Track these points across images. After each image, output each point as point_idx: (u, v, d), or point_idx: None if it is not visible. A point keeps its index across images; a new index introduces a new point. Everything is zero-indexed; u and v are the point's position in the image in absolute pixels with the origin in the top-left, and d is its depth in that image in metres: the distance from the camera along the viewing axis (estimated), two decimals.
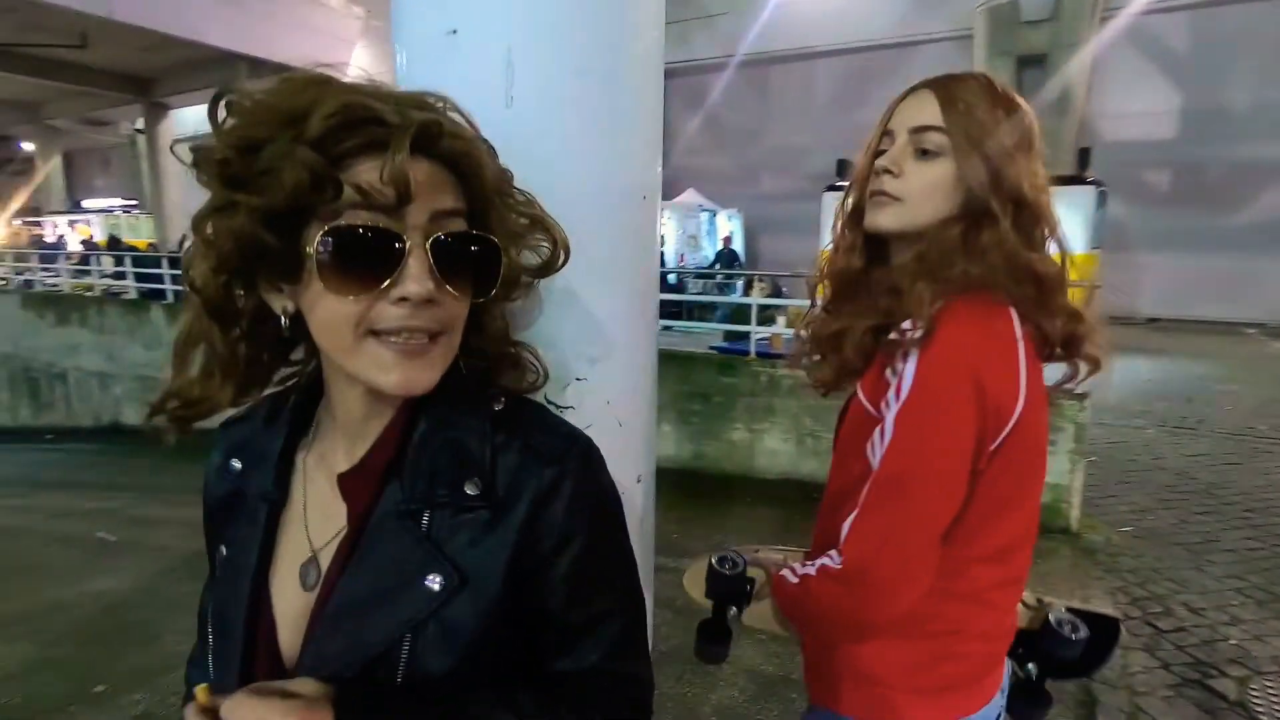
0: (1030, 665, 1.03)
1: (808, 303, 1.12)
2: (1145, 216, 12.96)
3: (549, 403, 0.82)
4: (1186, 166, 13.08)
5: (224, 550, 0.71)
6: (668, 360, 5.63)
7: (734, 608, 1.00)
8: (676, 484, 5.16)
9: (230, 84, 0.60)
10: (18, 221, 23.24)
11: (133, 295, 10.43)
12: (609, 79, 0.84)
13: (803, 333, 1.09)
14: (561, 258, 0.72)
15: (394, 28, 0.85)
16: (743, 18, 14.70)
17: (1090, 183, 10.90)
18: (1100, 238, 11.05)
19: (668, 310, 10.62)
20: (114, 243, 16.46)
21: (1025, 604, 1.05)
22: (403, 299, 0.58)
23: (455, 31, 0.79)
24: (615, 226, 0.87)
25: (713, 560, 1.00)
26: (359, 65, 0.62)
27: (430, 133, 0.58)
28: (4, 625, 3.54)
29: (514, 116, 0.78)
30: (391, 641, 0.60)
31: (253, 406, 0.74)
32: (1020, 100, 0.94)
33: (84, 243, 19.61)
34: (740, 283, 11.66)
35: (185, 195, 15.30)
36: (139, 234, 19.03)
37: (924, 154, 0.92)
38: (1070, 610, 1.04)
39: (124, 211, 22.19)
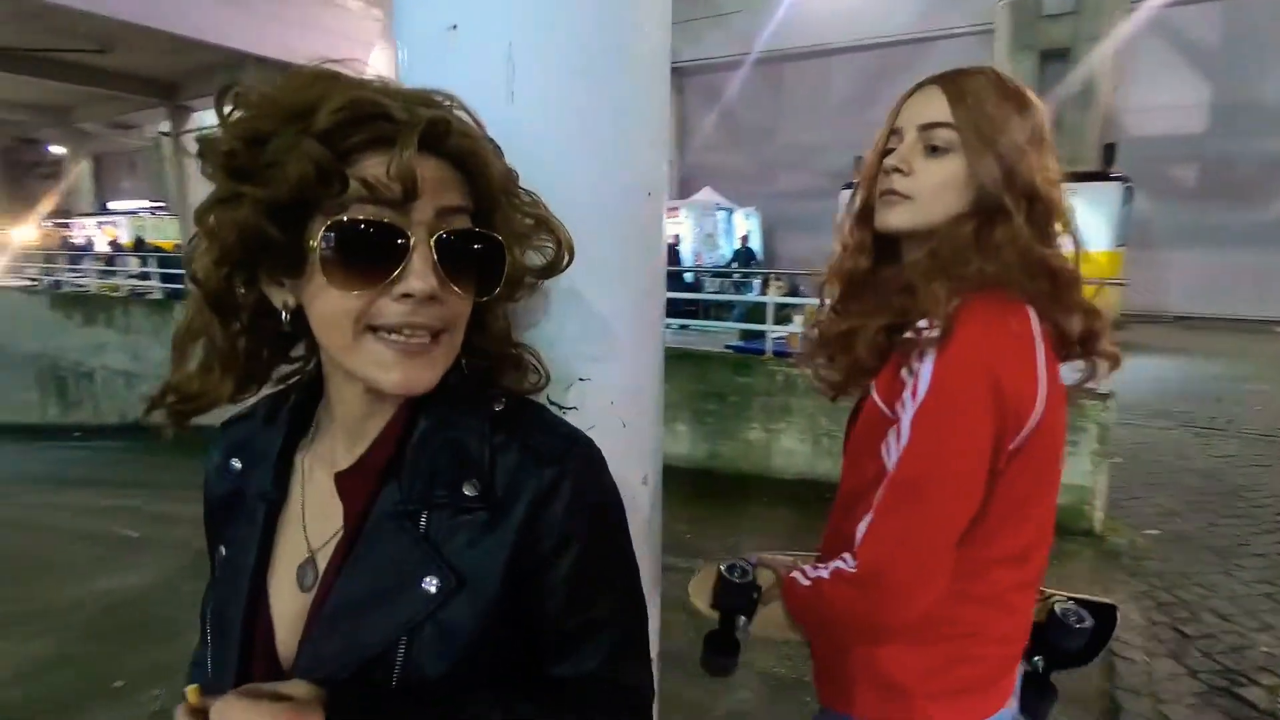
0: (1037, 658, 1.02)
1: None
2: (1172, 212, 12.71)
3: (551, 403, 0.81)
4: (1215, 161, 12.79)
5: (223, 550, 0.71)
6: (683, 359, 5.62)
7: (743, 617, 0.98)
8: (691, 484, 5.14)
9: (239, 78, 0.60)
10: (48, 223, 23.73)
11: (157, 295, 10.62)
12: (612, 74, 0.82)
13: (811, 333, 1.07)
14: (566, 259, 0.71)
15: (395, 24, 0.85)
16: (757, 15, 14.62)
17: (1115, 178, 10.71)
18: (1126, 234, 10.86)
19: (684, 309, 10.61)
20: (139, 244, 16.77)
21: None
22: (406, 295, 0.57)
23: (455, 27, 0.78)
24: (619, 224, 0.85)
25: (722, 568, 0.99)
26: (377, 67, 0.62)
27: (438, 130, 0.58)
28: (28, 620, 3.61)
29: (515, 113, 0.77)
30: (388, 643, 0.59)
31: (253, 406, 0.74)
32: (1030, 93, 0.92)
33: (111, 244, 19.99)
34: (757, 281, 11.60)
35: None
36: (164, 235, 19.37)
37: (934, 151, 0.91)
38: (1071, 600, 1.03)
39: (150, 213, 22.58)
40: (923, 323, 0.86)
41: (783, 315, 6.27)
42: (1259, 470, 5.40)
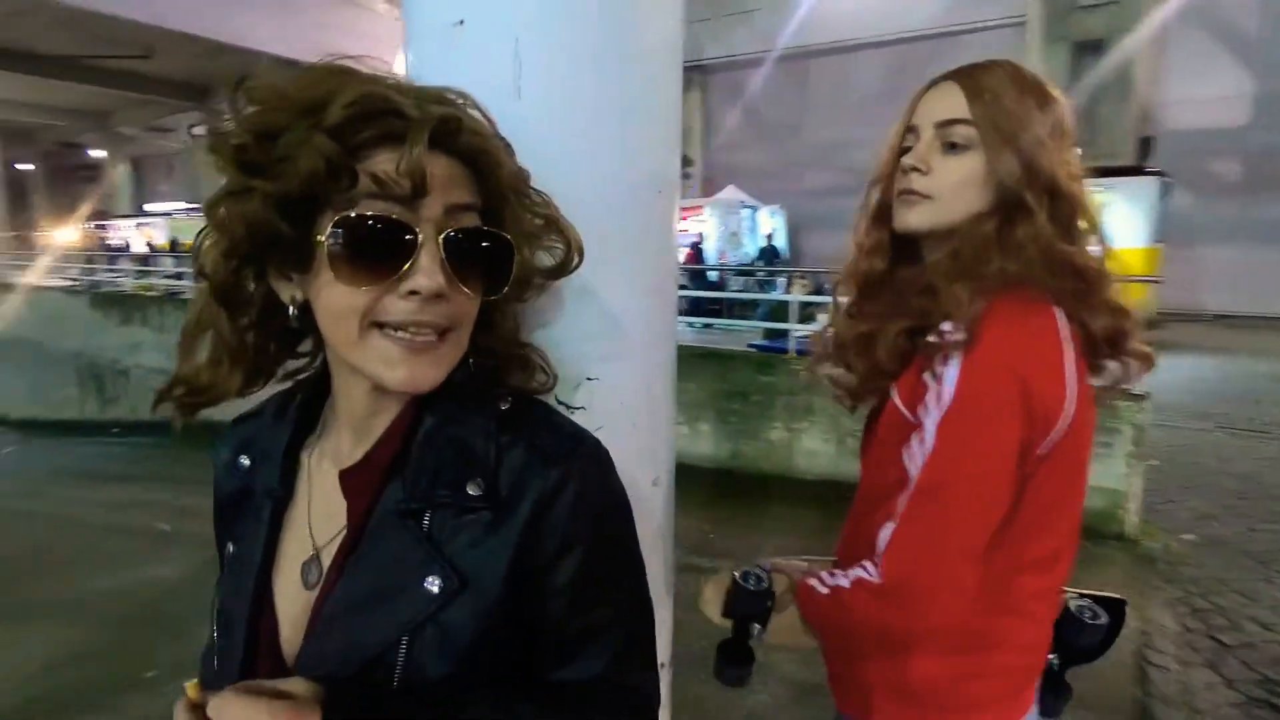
0: (1052, 656, 0.99)
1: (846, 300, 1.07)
2: (1213, 208, 12.35)
3: (559, 403, 0.80)
4: (1258, 154, 12.38)
5: (231, 547, 0.71)
6: (705, 358, 5.60)
7: (757, 626, 0.96)
8: (714, 484, 5.12)
9: (252, 72, 0.60)
10: (88, 225, 24.42)
11: (191, 295, 10.83)
12: (622, 69, 0.81)
13: (825, 338, 1.05)
14: (575, 260, 0.71)
15: (404, 20, 0.84)
16: (781, 11, 14.48)
17: (1153, 173, 10.44)
18: (1163, 231, 10.58)
19: (709, 308, 10.57)
20: (174, 245, 17.16)
21: None
22: (412, 292, 0.57)
23: (462, 22, 0.77)
24: (629, 221, 0.84)
25: (736, 575, 0.97)
26: (403, 68, 0.62)
27: (449, 128, 0.58)
28: (63, 611, 3.72)
29: (523, 109, 0.76)
30: (389, 643, 0.59)
31: (263, 403, 0.74)
32: (1050, 86, 0.89)
33: (148, 245, 20.50)
34: (782, 280, 11.52)
35: None
36: None
37: (952, 148, 0.89)
38: (1083, 596, 1.00)
39: (186, 214, 23.13)
40: (946, 325, 0.84)
41: (807, 314, 6.22)
42: None
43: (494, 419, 0.63)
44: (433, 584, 0.59)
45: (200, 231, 0.61)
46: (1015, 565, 0.88)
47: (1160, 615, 3.33)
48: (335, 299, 0.58)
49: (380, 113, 0.56)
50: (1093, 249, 0.89)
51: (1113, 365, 0.93)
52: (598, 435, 0.67)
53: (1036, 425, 0.81)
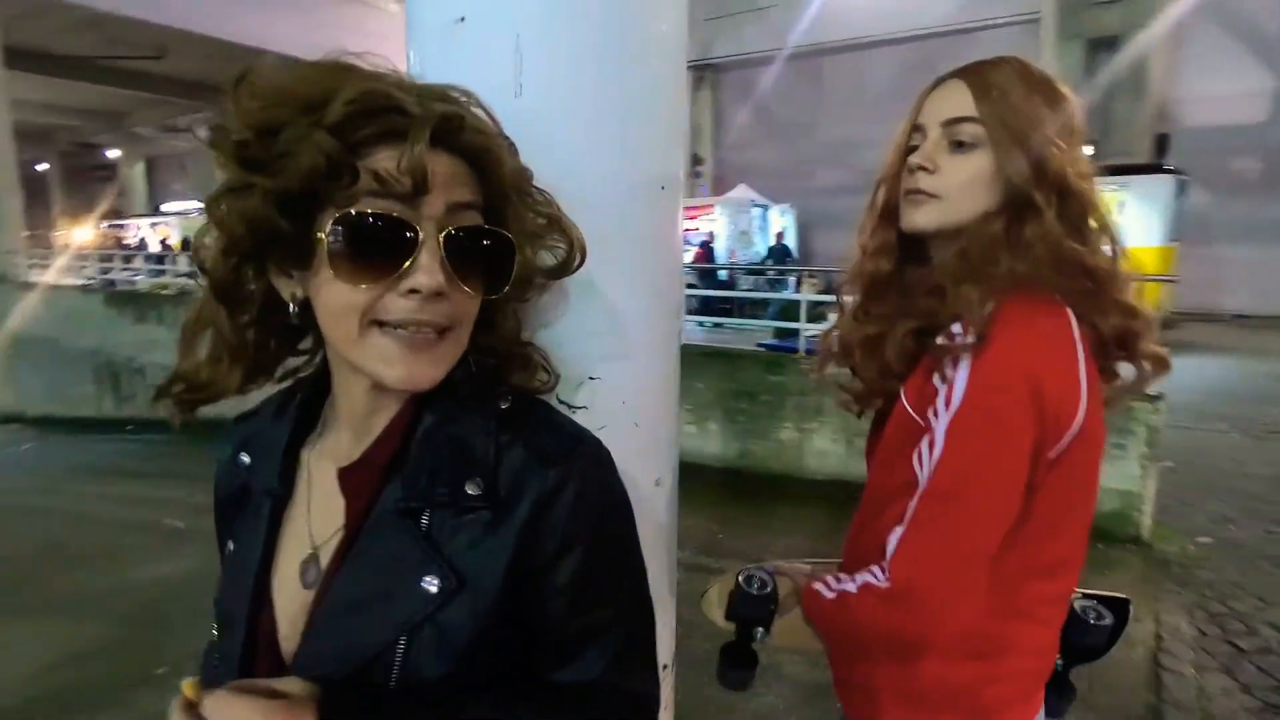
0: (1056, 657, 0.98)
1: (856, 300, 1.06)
2: (1230, 206, 12.18)
3: (561, 402, 0.80)
4: (1276, 151, 12.20)
5: (231, 545, 0.71)
6: (714, 358, 5.58)
7: (761, 629, 0.96)
8: (723, 484, 5.10)
9: (253, 67, 0.60)
10: (104, 224, 24.68)
11: None
12: (625, 66, 0.80)
13: (830, 341, 1.03)
14: (577, 260, 0.70)
15: (406, 17, 0.84)
16: (793, 9, 14.42)
17: (1168, 171, 10.32)
18: (1180, 229, 10.45)
19: (720, 307, 10.55)
20: (187, 244, 17.31)
21: None
22: (412, 291, 0.57)
23: (463, 19, 0.76)
24: (631, 220, 0.83)
25: (740, 579, 0.96)
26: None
27: (451, 125, 0.58)
28: (78, 607, 3.75)
29: (524, 106, 0.75)
30: (386, 643, 0.58)
31: (264, 401, 0.74)
32: (1059, 83, 0.88)
33: (162, 243, 20.69)
34: (793, 279, 11.48)
35: None
36: None
37: (959, 146, 0.87)
38: (1087, 596, 1.00)
39: (200, 214, 23.23)
40: (956, 327, 0.82)
41: (817, 313, 6.19)
42: None
43: (494, 418, 0.63)
44: (431, 584, 0.58)
45: (200, 228, 0.61)
46: (1026, 569, 0.87)
47: (1175, 619, 3.28)
48: (335, 297, 0.58)
49: (382, 110, 0.55)
50: (1105, 248, 0.87)
51: (1128, 368, 0.91)
52: (599, 435, 0.67)
53: (1048, 429, 0.80)
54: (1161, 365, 0.90)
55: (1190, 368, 7.88)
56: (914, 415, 0.87)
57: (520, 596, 0.60)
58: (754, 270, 12.59)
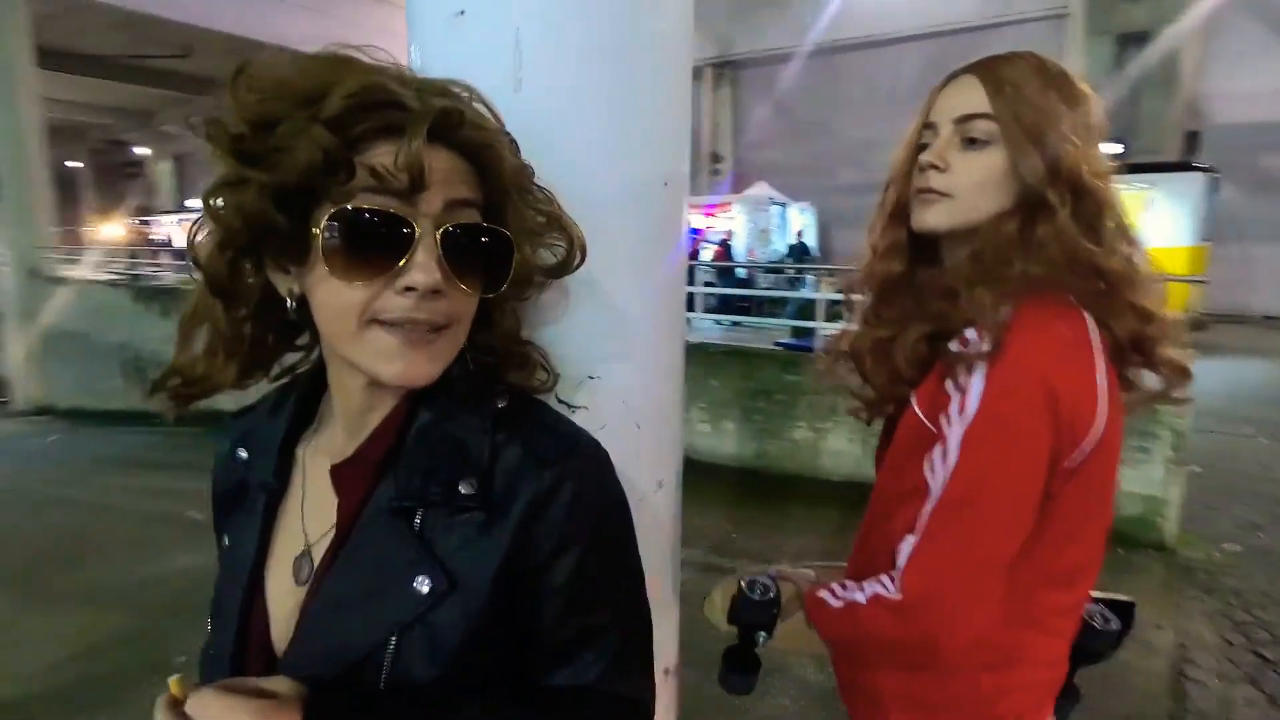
0: None
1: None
2: (1262, 205, 11.88)
3: (560, 402, 0.79)
4: None
5: (226, 540, 0.71)
6: (730, 356, 5.55)
7: (763, 634, 0.94)
8: (737, 482, 5.08)
9: (252, 59, 0.59)
10: (133, 221, 25.14)
11: None
12: (626, 60, 0.79)
13: (840, 346, 1.01)
14: (577, 259, 0.69)
15: (407, 11, 0.83)
16: (816, 5, 14.27)
17: (1199, 169, 10.09)
18: (1210, 229, 10.22)
19: (738, 305, 10.50)
20: None
21: None
22: (409, 288, 0.56)
23: (463, 13, 0.76)
24: (633, 216, 0.82)
25: (742, 584, 0.95)
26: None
27: (450, 121, 0.57)
28: (100, 597, 3.82)
29: (523, 101, 0.74)
30: (376, 644, 0.58)
31: (262, 396, 0.74)
32: (1076, 78, 0.85)
33: (188, 240, 20.96)
34: (812, 278, 11.39)
35: None
36: None
37: (971, 144, 0.85)
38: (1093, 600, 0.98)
39: None
40: (970, 332, 0.80)
41: (835, 313, 6.14)
42: None
43: (490, 417, 0.62)
44: (422, 584, 0.58)
45: (194, 222, 0.61)
46: (1041, 579, 0.85)
47: (1199, 628, 3.21)
48: (331, 294, 0.57)
49: (380, 104, 0.54)
50: (1122, 250, 0.84)
51: (1151, 374, 0.89)
52: (599, 435, 0.66)
53: (1065, 438, 0.78)
54: (1181, 373, 0.87)
55: (1218, 370, 7.70)
56: (926, 422, 0.85)
57: (514, 598, 0.59)
58: (773, 269, 12.51)
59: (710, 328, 9.01)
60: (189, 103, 18.90)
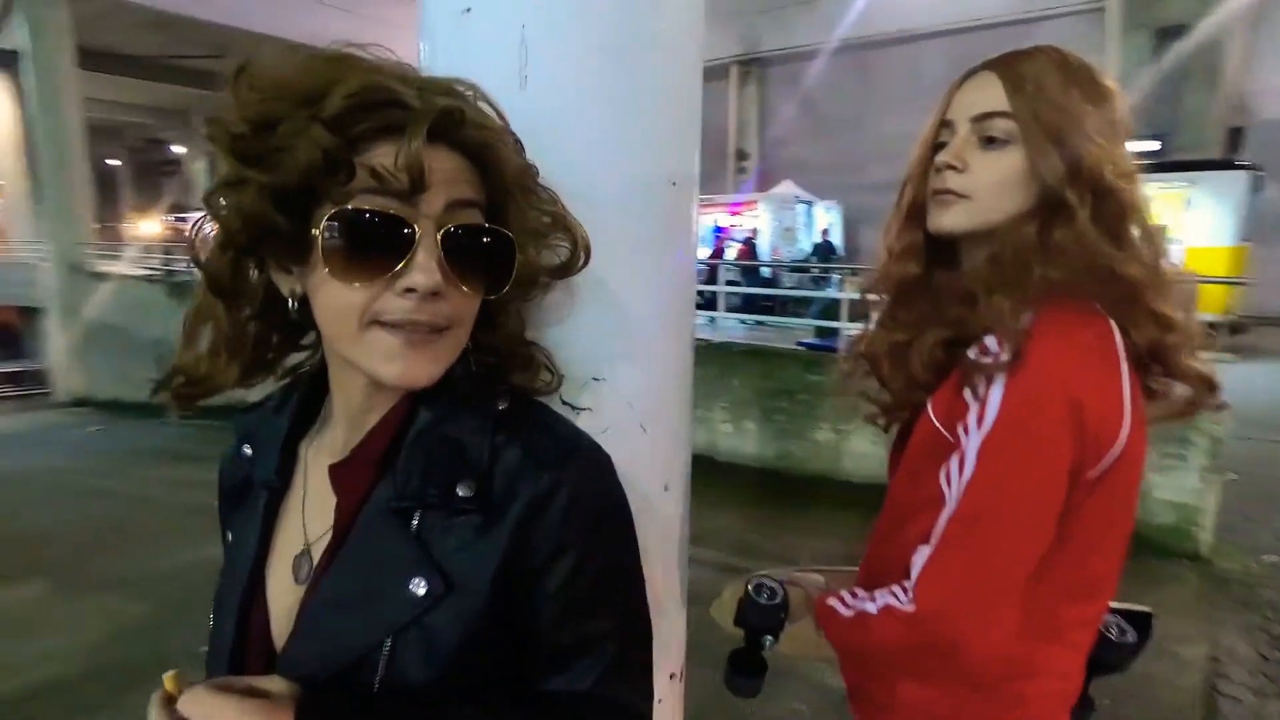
0: None
1: None
2: None
3: (564, 404, 0.78)
4: None
5: (230, 536, 0.72)
6: (752, 356, 5.52)
7: (770, 637, 0.93)
8: (759, 483, 5.05)
9: (253, 56, 0.59)
10: (169, 218, 25.74)
11: None
12: (634, 58, 0.78)
13: (856, 351, 0.99)
14: (581, 259, 0.68)
15: (419, 8, 0.83)
16: (845, 1, 14.10)
17: (1242, 166, 9.77)
18: (1253, 228, 9.89)
19: (762, 305, 10.42)
20: None
21: None
22: (409, 290, 0.55)
23: (469, 10, 0.75)
24: (639, 216, 0.81)
25: (749, 588, 0.94)
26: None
27: (452, 120, 0.56)
28: (131, 585, 3.93)
29: (527, 99, 0.73)
30: (371, 645, 0.58)
31: (269, 394, 0.74)
32: (1101, 74, 0.82)
33: None
34: (838, 277, 11.27)
35: None
36: None
37: (990, 143, 0.82)
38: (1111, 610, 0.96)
39: None
40: (990, 341, 0.78)
41: (859, 313, 6.06)
42: None
43: (491, 419, 0.62)
44: (418, 586, 0.57)
45: (195, 221, 0.61)
46: (1060, 592, 0.83)
47: (1234, 641, 3.11)
48: (331, 296, 0.57)
49: (381, 103, 0.54)
50: (1146, 254, 0.81)
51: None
52: (603, 438, 0.65)
53: (1088, 449, 0.75)
54: (1206, 386, 0.83)
55: (1259, 374, 7.44)
56: (942, 430, 0.83)
57: (512, 600, 0.59)
58: (798, 267, 12.40)
59: (734, 327, 8.96)
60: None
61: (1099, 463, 0.77)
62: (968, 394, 0.79)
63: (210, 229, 0.60)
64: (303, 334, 0.69)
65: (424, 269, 0.55)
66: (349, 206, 0.54)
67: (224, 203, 0.57)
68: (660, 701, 0.90)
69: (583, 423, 0.73)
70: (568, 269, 0.69)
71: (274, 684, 0.55)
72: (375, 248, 0.55)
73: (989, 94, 0.83)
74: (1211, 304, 7.42)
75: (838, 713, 2.50)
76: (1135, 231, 0.81)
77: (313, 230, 0.56)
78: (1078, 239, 0.78)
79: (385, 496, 0.61)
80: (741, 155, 16.97)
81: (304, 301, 0.61)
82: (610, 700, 0.62)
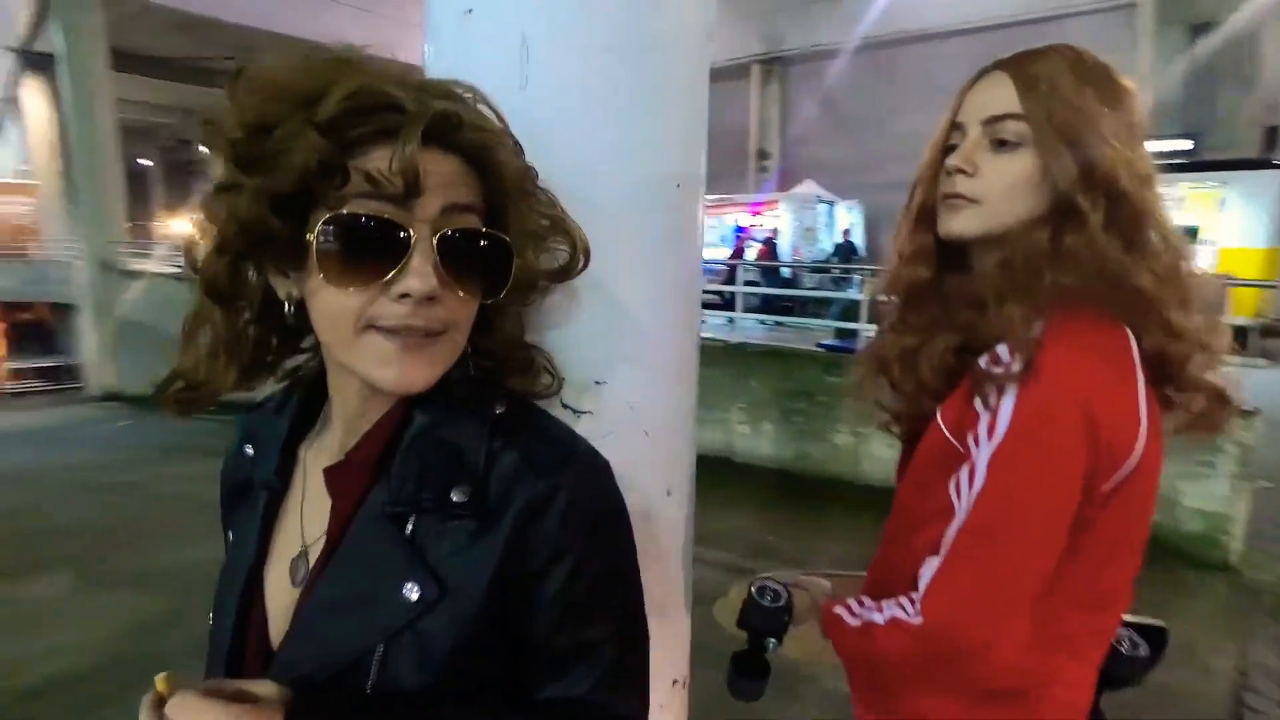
0: None
1: None
2: None
3: (565, 407, 0.77)
4: None
5: (230, 536, 0.72)
6: (770, 357, 5.49)
7: (773, 640, 0.92)
8: (775, 485, 5.02)
9: (252, 60, 0.59)
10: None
11: None
12: (637, 59, 0.77)
13: (867, 356, 0.97)
14: (580, 263, 0.68)
15: (423, 9, 0.83)
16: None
17: (1278, 166, 9.52)
18: None
19: (781, 305, 10.36)
20: None
21: None
22: (404, 295, 0.55)
23: (471, 11, 0.75)
24: (642, 218, 0.80)
25: (752, 589, 0.93)
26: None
27: (449, 123, 0.56)
28: (148, 580, 4.00)
29: (528, 101, 0.73)
30: (363, 650, 0.57)
31: (270, 395, 0.74)
32: (1118, 74, 0.80)
33: None
34: (859, 278, 11.18)
35: None
36: None
37: (1001, 146, 0.80)
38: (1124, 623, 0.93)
39: None
40: (1001, 350, 0.76)
41: (879, 314, 6.00)
42: None
43: (488, 423, 0.61)
44: (411, 591, 0.57)
45: (192, 225, 0.61)
46: (1075, 603, 0.81)
47: (1263, 654, 3.02)
48: (327, 300, 0.57)
49: (377, 107, 0.53)
50: (1164, 261, 0.78)
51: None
52: (605, 442, 0.64)
53: (1102, 461, 0.73)
54: (1219, 399, 0.81)
55: None
56: (952, 440, 0.81)
57: (508, 605, 0.58)
58: (818, 268, 12.31)
59: (753, 327, 8.92)
60: None
61: (1114, 475, 0.75)
62: (978, 404, 0.78)
63: (205, 233, 0.59)
64: (302, 336, 0.69)
65: (419, 274, 0.55)
66: (343, 211, 0.54)
67: (218, 208, 0.56)
68: (663, 708, 0.89)
69: (584, 426, 0.73)
70: (567, 272, 0.68)
71: (264, 688, 0.54)
72: (370, 252, 0.55)
73: (1000, 95, 0.80)
74: (1243, 307, 7.25)
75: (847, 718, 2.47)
76: (1153, 236, 0.78)
77: (308, 235, 0.56)
78: (1089, 244, 0.76)
79: (380, 501, 0.60)
80: (763, 155, 16.88)
81: (301, 305, 0.61)
82: (607, 706, 0.61)
